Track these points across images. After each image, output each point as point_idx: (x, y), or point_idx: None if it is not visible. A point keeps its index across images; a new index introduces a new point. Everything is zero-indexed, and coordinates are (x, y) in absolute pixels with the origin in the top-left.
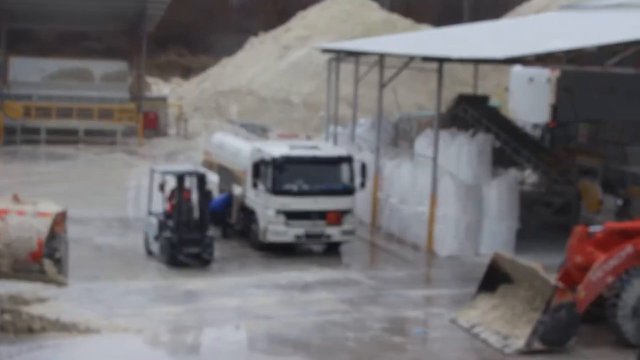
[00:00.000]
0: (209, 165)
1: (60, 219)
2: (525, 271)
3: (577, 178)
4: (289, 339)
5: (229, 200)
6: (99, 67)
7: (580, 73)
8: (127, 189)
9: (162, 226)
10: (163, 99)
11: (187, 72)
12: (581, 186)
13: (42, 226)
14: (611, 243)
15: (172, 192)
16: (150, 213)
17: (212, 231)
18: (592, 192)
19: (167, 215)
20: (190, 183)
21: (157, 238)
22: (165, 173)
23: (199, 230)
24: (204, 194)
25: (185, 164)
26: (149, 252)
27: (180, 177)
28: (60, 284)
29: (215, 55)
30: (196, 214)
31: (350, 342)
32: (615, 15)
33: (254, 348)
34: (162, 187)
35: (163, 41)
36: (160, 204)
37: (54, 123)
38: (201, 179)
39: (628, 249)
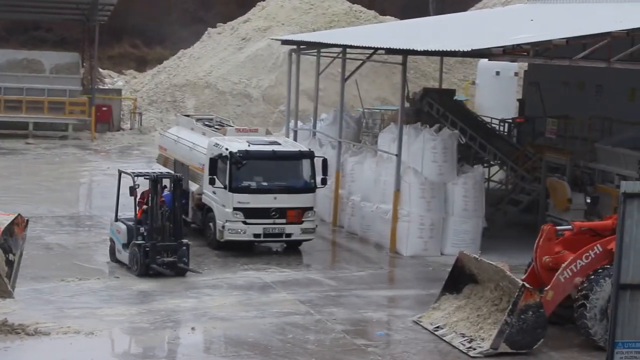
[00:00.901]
0: (164, 161)
1: (21, 221)
2: (491, 271)
3: (545, 175)
4: (246, 342)
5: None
6: (50, 58)
7: (549, 67)
8: (78, 186)
9: (132, 233)
10: (117, 92)
11: (141, 64)
12: (549, 184)
13: (3, 219)
14: (580, 242)
15: (142, 196)
16: (117, 219)
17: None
18: (560, 190)
19: (138, 221)
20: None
21: (126, 246)
22: (136, 175)
23: (173, 237)
24: (179, 198)
25: (151, 164)
26: (116, 262)
27: (155, 181)
28: (5, 293)
29: (171, 47)
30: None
31: (310, 345)
32: (584, 8)
33: (211, 351)
34: (133, 192)
35: (117, 32)
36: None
37: (2, 116)
38: (176, 182)
39: (597, 248)
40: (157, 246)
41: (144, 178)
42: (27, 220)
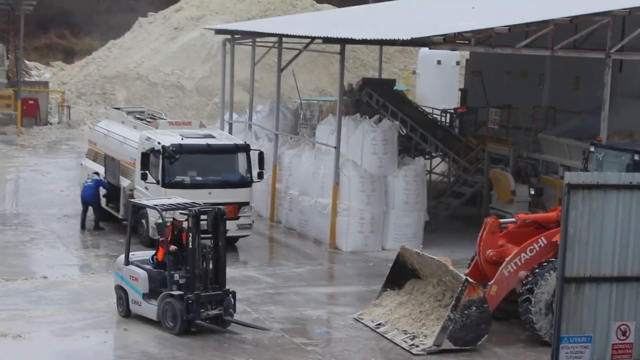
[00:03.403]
0: (94, 156)
1: None
2: (433, 266)
3: (487, 167)
4: (181, 342)
5: (99, 185)
6: None
7: (491, 55)
8: (4, 182)
9: (156, 281)
10: (44, 85)
11: (69, 56)
12: (492, 175)
13: None
14: (524, 235)
15: (167, 231)
16: (130, 262)
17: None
18: (503, 182)
19: (159, 263)
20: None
21: (149, 297)
22: (165, 209)
23: (217, 285)
24: (223, 237)
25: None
26: (127, 316)
27: (197, 216)
28: None
29: (100, 37)
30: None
31: (248, 345)
32: None
33: (145, 352)
34: (162, 230)
35: (43, 22)
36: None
37: None
38: (220, 216)
39: (541, 241)
40: (202, 297)
41: (181, 213)
42: None
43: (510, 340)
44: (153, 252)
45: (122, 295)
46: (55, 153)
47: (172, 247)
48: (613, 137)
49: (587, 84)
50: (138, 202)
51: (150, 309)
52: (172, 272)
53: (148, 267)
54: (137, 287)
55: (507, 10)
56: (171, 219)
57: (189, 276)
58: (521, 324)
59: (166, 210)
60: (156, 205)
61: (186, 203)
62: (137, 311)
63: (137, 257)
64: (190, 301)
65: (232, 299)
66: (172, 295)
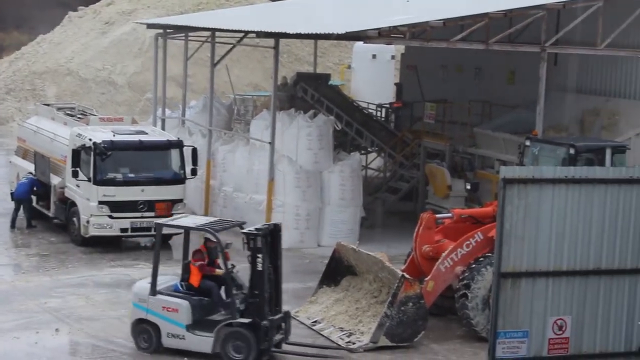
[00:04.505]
0: (23, 153)
1: None
2: (369, 262)
3: (423, 162)
4: (114, 342)
5: (33, 184)
6: None
7: (426, 49)
8: None
9: (203, 309)
10: None
11: None
12: (428, 170)
13: None
14: (460, 230)
15: (198, 256)
16: (156, 291)
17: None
18: (439, 177)
19: (196, 290)
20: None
21: (194, 327)
22: (219, 230)
23: (277, 307)
24: (278, 253)
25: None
26: (156, 351)
27: (267, 236)
28: None
29: (29, 32)
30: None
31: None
32: None
33: (77, 353)
34: (216, 254)
35: None
36: None
37: None
38: (276, 233)
39: (478, 236)
40: (274, 323)
41: (243, 233)
42: None
43: (447, 336)
44: (170, 276)
45: (147, 329)
46: None
47: (219, 271)
48: (548, 131)
49: (523, 78)
50: (171, 223)
51: (200, 341)
52: (232, 298)
53: (183, 295)
54: (178, 319)
55: (441, 4)
56: (203, 240)
57: (257, 301)
58: (458, 319)
59: (218, 231)
60: (206, 226)
61: (230, 220)
62: (178, 345)
63: (163, 285)
64: (266, 328)
65: (290, 321)
66: (237, 324)
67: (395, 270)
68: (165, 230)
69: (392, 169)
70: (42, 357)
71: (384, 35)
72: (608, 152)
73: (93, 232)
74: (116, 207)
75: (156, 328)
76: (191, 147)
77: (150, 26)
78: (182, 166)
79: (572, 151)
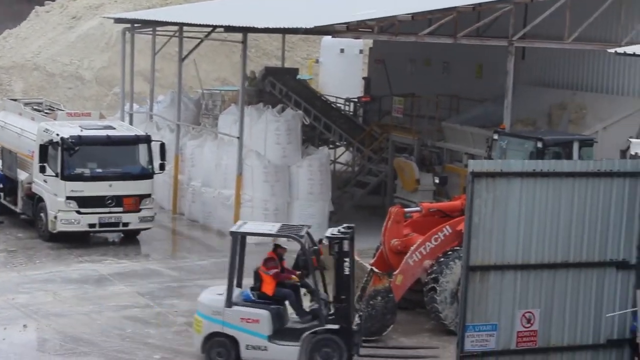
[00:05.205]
0: None
1: None
2: None
3: (392, 156)
4: (83, 338)
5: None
6: None
7: (394, 44)
8: None
9: (280, 317)
10: None
11: None
12: (396, 164)
13: None
14: (429, 224)
15: (270, 264)
16: (231, 303)
17: None
18: (408, 171)
19: (270, 298)
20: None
21: (276, 338)
22: (334, 238)
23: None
24: (350, 256)
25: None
26: None
27: (352, 239)
28: None
29: None
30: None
31: (151, 339)
32: None
33: (44, 349)
34: (303, 264)
35: None
36: None
37: None
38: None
39: (446, 230)
40: (360, 327)
41: (337, 236)
42: None
43: (416, 330)
44: (234, 285)
45: (223, 342)
46: None
47: (294, 278)
48: (516, 124)
49: (490, 72)
50: (251, 231)
51: (284, 351)
52: (319, 305)
53: (261, 305)
54: (259, 330)
55: None
56: (273, 246)
57: (344, 306)
58: (426, 313)
59: (302, 237)
60: (286, 232)
61: (295, 225)
62: (260, 357)
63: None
64: (358, 334)
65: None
66: (325, 331)
67: (363, 264)
68: (249, 240)
69: (361, 163)
70: (10, 353)
71: (352, 29)
72: (575, 145)
73: (61, 227)
74: (84, 202)
75: (233, 341)
76: (159, 142)
77: (118, 21)
78: (150, 161)
79: (539, 145)
